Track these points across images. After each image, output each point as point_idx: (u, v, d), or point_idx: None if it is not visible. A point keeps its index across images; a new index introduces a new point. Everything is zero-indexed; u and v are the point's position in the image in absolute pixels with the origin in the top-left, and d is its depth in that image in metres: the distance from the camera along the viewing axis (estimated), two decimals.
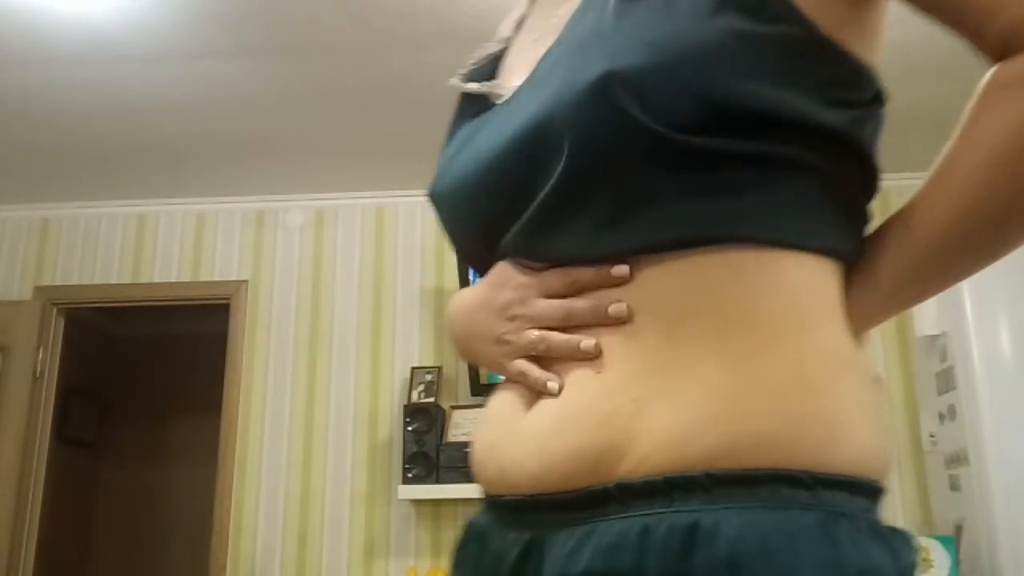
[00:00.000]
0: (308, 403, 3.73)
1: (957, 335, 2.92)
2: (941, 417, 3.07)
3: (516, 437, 0.65)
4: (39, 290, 3.98)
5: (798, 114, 0.59)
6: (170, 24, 2.67)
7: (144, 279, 3.98)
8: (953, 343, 2.94)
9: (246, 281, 3.90)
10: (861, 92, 0.64)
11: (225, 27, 2.66)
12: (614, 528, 0.56)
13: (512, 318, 0.67)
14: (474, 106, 0.78)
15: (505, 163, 0.67)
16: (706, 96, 0.57)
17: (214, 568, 3.60)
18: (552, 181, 0.62)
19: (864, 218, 0.66)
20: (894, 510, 3.43)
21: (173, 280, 3.96)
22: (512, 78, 0.75)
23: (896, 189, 3.80)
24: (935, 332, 3.03)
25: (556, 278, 0.65)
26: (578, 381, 0.62)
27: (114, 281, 3.99)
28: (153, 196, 4.00)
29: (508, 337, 0.67)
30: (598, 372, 0.61)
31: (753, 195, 0.59)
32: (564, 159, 0.60)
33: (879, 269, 0.63)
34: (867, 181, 0.65)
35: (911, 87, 3.10)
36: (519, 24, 0.84)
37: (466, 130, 0.76)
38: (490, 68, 0.82)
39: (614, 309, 0.60)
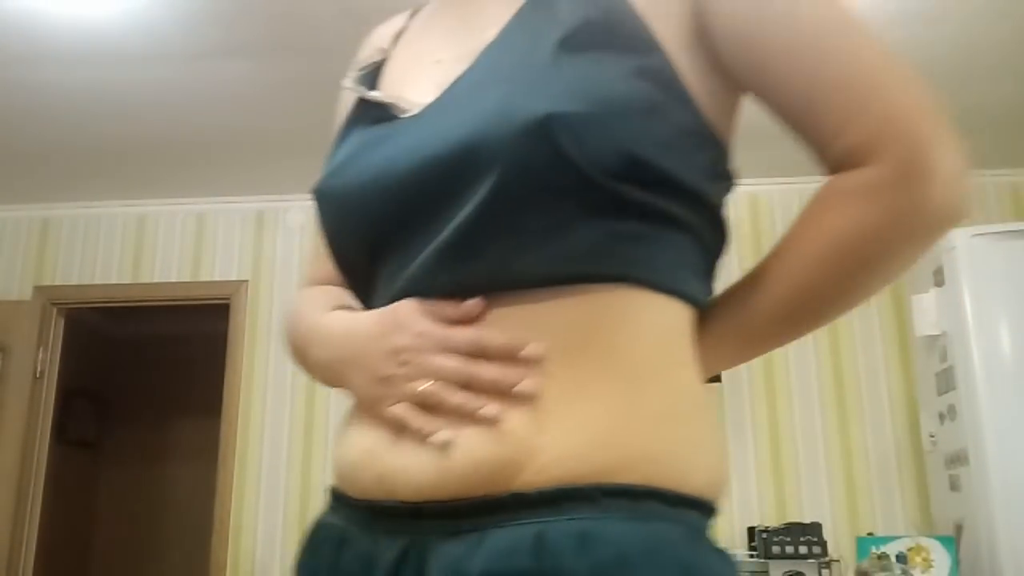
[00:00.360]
0: (308, 403, 3.73)
1: (957, 335, 2.92)
2: (941, 417, 3.08)
3: (402, 446, 0.66)
4: (39, 290, 3.98)
5: (690, 182, 0.68)
6: (170, 24, 2.67)
7: (144, 279, 3.98)
8: (953, 343, 2.94)
9: (246, 281, 3.91)
10: (726, 170, 0.74)
11: (225, 27, 2.66)
12: (507, 534, 0.60)
13: (404, 363, 0.67)
14: (371, 113, 0.78)
15: (421, 177, 0.69)
16: (629, 151, 0.64)
17: (214, 567, 3.60)
18: (474, 205, 0.65)
19: (714, 274, 0.75)
20: (894, 510, 3.43)
21: (173, 280, 3.96)
22: (412, 92, 0.76)
23: None
24: (935, 332, 3.03)
25: (463, 339, 0.66)
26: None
27: (114, 281, 3.99)
28: (153, 196, 4.00)
29: (394, 380, 0.67)
30: None
31: (649, 243, 0.67)
32: (492, 186, 0.64)
33: (728, 326, 0.74)
34: (721, 244, 0.74)
35: None
36: (396, 38, 0.88)
37: (366, 136, 0.77)
38: (372, 77, 0.84)
39: (520, 388, 0.63)
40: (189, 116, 3.24)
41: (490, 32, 0.75)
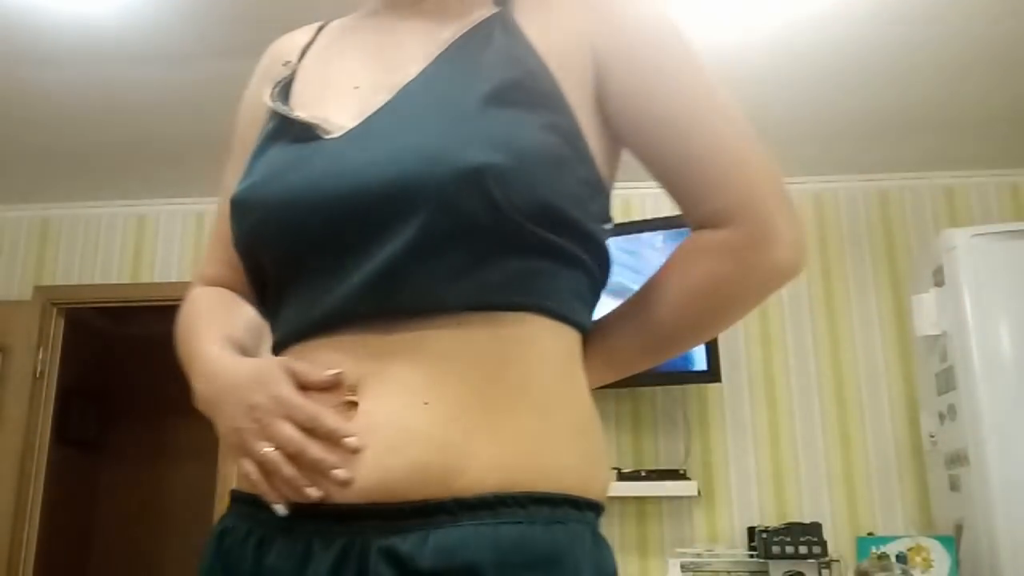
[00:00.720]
0: None
1: (957, 335, 2.92)
2: (941, 417, 3.08)
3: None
4: (39, 290, 3.98)
5: (587, 225, 0.79)
6: (170, 24, 2.67)
7: (144, 279, 3.98)
8: (953, 343, 2.94)
9: None
10: (609, 215, 0.86)
11: (225, 27, 2.66)
12: (455, 533, 0.68)
13: (255, 420, 0.74)
14: (291, 131, 0.83)
15: (350, 203, 0.74)
16: (543, 199, 0.74)
17: None
18: (405, 239, 0.72)
19: (597, 303, 0.86)
20: (894, 510, 3.43)
21: (173, 280, 3.96)
22: (331, 115, 0.81)
23: (896, 189, 3.81)
24: (935, 332, 3.03)
25: (304, 414, 0.72)
26: (406, 407, 0.72)
27: (114, 281, 3.99)
28: (153, 196, 4.00)
29: (245, 434, 0.75)
30: (426, 403, 0.72)
31: (551, 277, 0.77)
32: (423, 222, 0.71)
33: (597, 353, 0.85)
34: (605, 277, 0.85)
35: (908, 88, 3.10)
36: (303, 52, 0.94)
37: (288, 153, 0.81)
38: (285, 92, 0.89)
39: (335, 475, 0.70)
40: (189, 116, 3.24)
41: (411, 69, 0.81)
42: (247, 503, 0.77)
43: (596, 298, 0.85)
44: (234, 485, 0.82)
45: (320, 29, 0.98)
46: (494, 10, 0.85)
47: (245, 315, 0.90)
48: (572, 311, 0.79)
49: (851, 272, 3.70)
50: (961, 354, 2.89)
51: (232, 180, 0.89)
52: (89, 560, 5.32)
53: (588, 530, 0.74)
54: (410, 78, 0.81)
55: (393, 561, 0.67)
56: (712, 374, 3.36)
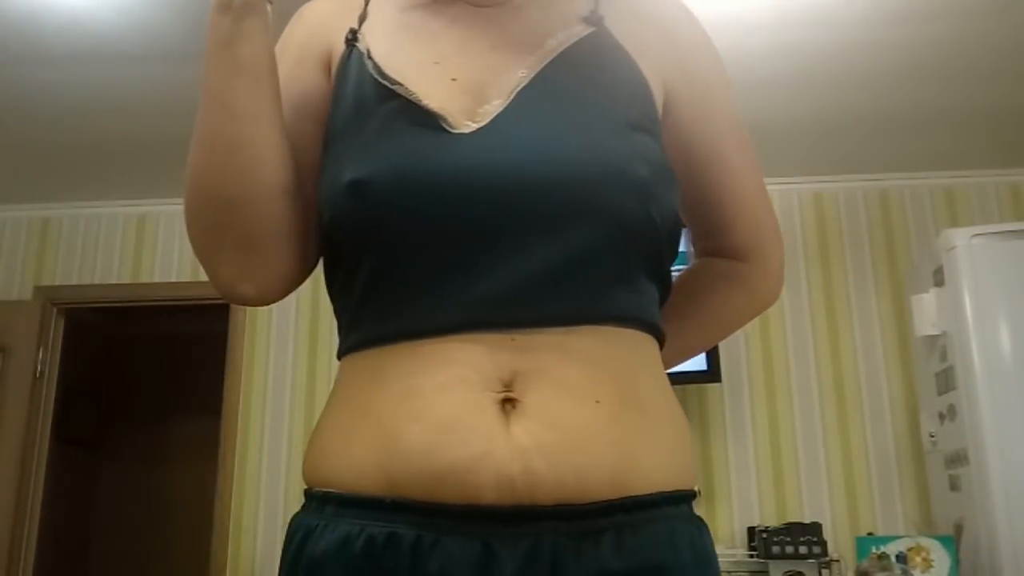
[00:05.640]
0: (308, 403, 3.73)
1: (957, 335, 2.92)
2: (941, 417, 3.08)
3: (524, 450, 0.68)
4: (39, 290, 3.98)
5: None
6: (170, 24, 2.68)
7: (144, 279, 3.98)
8: (953, 343, 2.94)
9: None
10: None
11: None
12: (639, 533, 0.70)
13: None
14: (410, 114, 0.77)
15: (513, 198, 0.72)
16: (676, 221, 0.79)
17: (214, 568, 3.60)
18: (581, 247, 0.72)
19: None
20: (894, 510, 3.43)
21: (173, 280, 3.96)
22: (433, 102, 0.77)
23: (896, 189, 3.81)
24: (935, 332, 3.03)
25: None
26: (580, 404, 0.71)
27: (114, 281, 3.99)
28: (153, 196, 4.00)
29: None
30: (597, 401, 0.71)
31: (654, 296, 0.80)
32: (589, 228, 0.72)
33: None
34: (666, 296, 0.85)
35: (908, 88, 3.10)
36: (361, 21, 0.88)
37: (416, 138, 0.76)
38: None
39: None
40: (189, 116, 3.22)
41: (518, 71, 0.80)
42: (392, 506, 0.70)
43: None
44: (325, 487, 0.75)
45: (367, 1, 0.91)
46: (587, 14, 0.86)
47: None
48: (662, 327, 0.82)
49: (851, 272, 3.70)
50: (961, 354, 2.89)
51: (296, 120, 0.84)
52: (89, 559, 5.32)
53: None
54: (522, 82, 0.78)
55: (587, 563, 0.67)
56: (712, 374, 3.36)
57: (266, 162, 0.78)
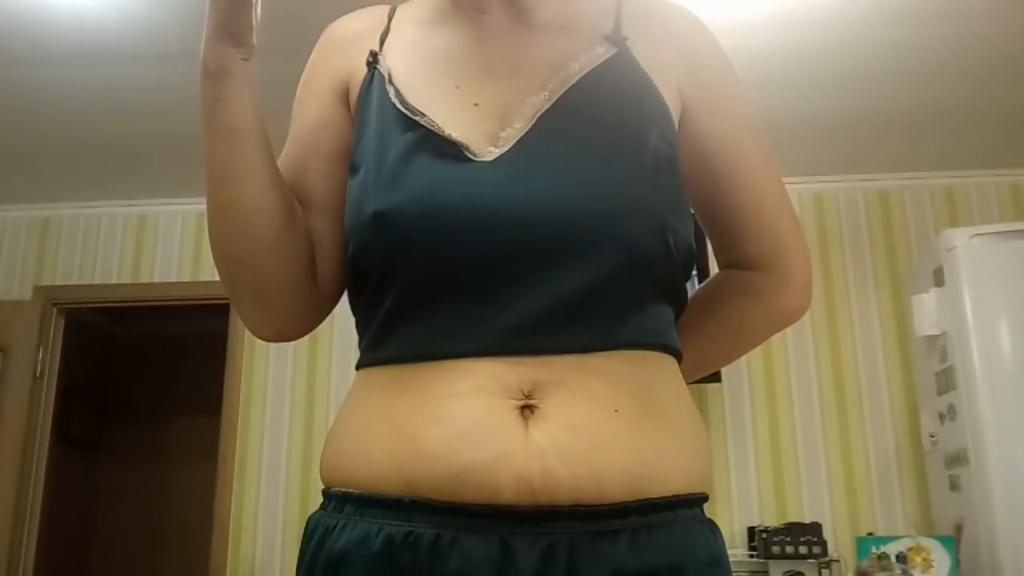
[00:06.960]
0: (308, 403, 3.73)
1: (957, 335, 2.92)
2: (941, 417, 3.08)
3: (542, 451, 0.69)
4: (39, 290, 3.98)
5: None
6: (170, 24, 2.68)
7: (144, 279, 3.98)
8: (953, 343, 2.94)
9: None
10: None
11: None
12: (655, 535, 0.72)
13: None
14: (433, 143, 0.78)
15: (538, 230, 0.74)
16: (692, 253, 0.81)
17: (214, 568, 3.60)
18: (596, 278, 0.74)
19: None
20: (894, 510, 3.43)
21: (173, 280, 3.96)
22: (452, 128, 0.78)
23: (896, 189, 3.81)
24: (935, 332, 3.03)
25: None
26: (599, 411, 0.73)
27: (114, 281, 3.99)
28: (153, 196, 4.01)
29: None
30: (616, 410, 0.73)
31: (671, 319, 0.82)
32: (610, 260, 0.74)
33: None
34: (680, 313, 0.86)
35: (908, 88, 3.10)
36: (382, 40, 0.89)
37: (439, 168, 0.77)
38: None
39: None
40: (189, 116, 3.23)
41: (538, 95, 0.81)
42: (408, 505, 0.71)
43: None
44: (344, 487, 0.76)
45: (391, 16, 0.91)
46: (609, 32, 0.86)
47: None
48: (678, 346, 0.84)
49: (851, 272, 3.70)
50: (961, 354, 2.89)
51: (300, 151, 0.90)
52: (89, 559, 5.32)
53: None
54: (544, 106, 0.80)
55: (602, 562, 0.69)
56: (712, 374, 3.36)
57: (253, 224, 0.80)
